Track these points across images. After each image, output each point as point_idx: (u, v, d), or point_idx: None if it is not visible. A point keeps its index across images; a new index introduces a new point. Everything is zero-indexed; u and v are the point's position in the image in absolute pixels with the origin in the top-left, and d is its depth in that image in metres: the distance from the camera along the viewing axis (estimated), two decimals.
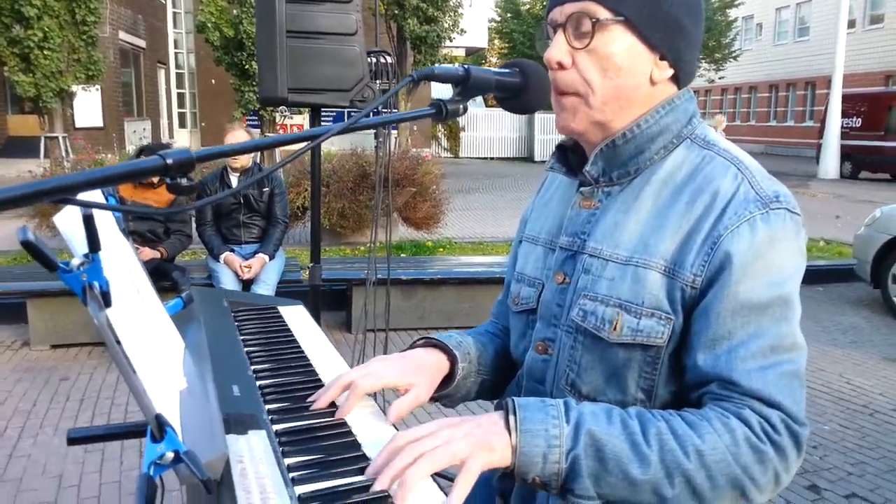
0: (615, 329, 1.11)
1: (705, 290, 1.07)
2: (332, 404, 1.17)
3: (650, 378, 1.12)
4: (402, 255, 7.66)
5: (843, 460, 3.63)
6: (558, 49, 1.14)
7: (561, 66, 1.14)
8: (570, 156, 1.29)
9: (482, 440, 0.98)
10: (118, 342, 0.73)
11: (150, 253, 4.98)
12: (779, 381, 1.03)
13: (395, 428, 1.12)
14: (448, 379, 1.30)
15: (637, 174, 1.17)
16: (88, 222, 0.69)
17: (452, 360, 1.30)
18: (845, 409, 4.30)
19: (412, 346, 1.34)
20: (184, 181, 0.70)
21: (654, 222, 1.12)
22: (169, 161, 0.68)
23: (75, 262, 0.73)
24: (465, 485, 0.93)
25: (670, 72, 1.16)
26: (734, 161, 1.13)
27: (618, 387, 1.14)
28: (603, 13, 1.10)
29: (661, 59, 1.14)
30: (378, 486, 0.91)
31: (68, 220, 0.83)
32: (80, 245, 0.78)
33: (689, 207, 1.10)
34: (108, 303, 0.73)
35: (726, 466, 0.99)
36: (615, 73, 1.12)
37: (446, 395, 1.33)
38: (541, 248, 1.31)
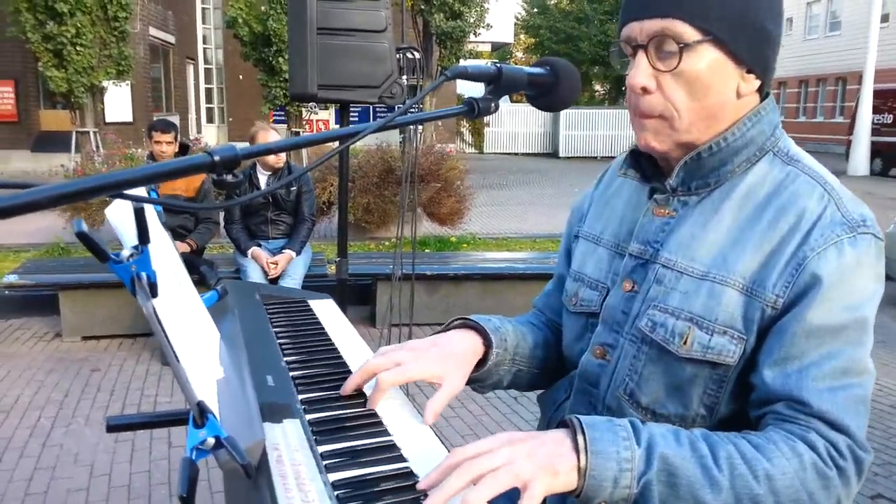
0: (685, 343, 1.08)
1: (785, 311, 1.04)
2: (361, 393, 1.18)
3: (715, 395, 1.10)
4: (426, 250, 7.69)
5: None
6: (642, 74, 1.08)
7: (646, 91, 1.09)
8: (642, 161, 1.24)
9: (546, 463, 0.92)
10: (164, 332, 0.76)
11: (180, 246, 5.06)
12: (847, 405, 1.01)
13: (417, 414, 1.12)
14: (480, 363, 1.26)
15: (717, 186, 1.14)
16: (139, 215, 0.72)
17: (487, 345, 1.26)
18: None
19: (448, 326, 1.30)
20: (229, 177, 0.73)
21: (733, 238, 1.09)
22: (216, 158, 0.71)
23: (125, 253, 0.76)
24: None
25: (757, 83, 1.12)
26: (820, 180, 1.10)
27: (679, 401, 1.12)
28: (690, 33, 1.04)
29: (749, 72, 1.10)
30: (433, 502, 0.86)
31: (118, 213, 0.86)
32: (129, 237, 0.81)
33: (773, 226, 1.07)
34: (154, 293, 0.76)
35: (794, 492, 0.96)
36: (703, 94, 1.08)
37: (475, 379, 1.28)
38: (604, 251, 1.27)
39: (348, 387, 1.16)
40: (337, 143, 0.99)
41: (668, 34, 1.05)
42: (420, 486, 0.91)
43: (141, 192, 0.95)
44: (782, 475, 0.96)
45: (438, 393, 1.15)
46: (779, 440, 0.99)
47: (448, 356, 1.20)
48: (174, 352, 0.77)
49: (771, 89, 1.17)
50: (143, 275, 0.74)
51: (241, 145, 0.86)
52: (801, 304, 1.03)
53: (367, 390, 1.18)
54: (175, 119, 20.66)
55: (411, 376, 1.15)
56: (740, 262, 1.07)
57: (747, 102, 1.13)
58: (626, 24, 1.11)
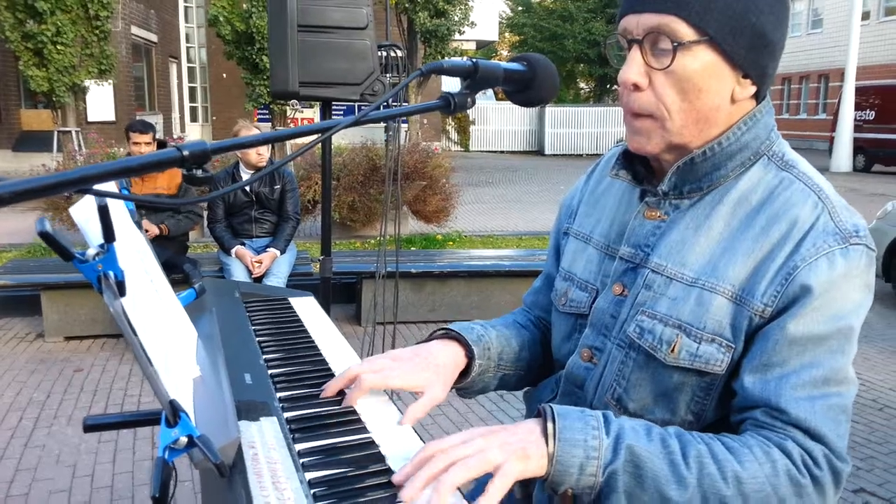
0: (673, 351, 1.07)
1: (772, 319, 1.03)
2: (341, 393, 1.17)
3: (702, 402, 1.09)
4: (411, 248, 7.68)
5: (852, 455, 3.62)
6: (635, 70, 1.06)
7: (637, 88, 1.07)
8: (636, 162, 1.22)
9: (518, 448, 0.95)
10: (133, 330, 0.75)
11: (150, 229, 4.98)
12: (826, 414, 1.00)
13: (397, 412, 1.12)
14: (464, 373, 1.27)
15: (709, 191, 1.12)
16: (104, 213, 0.71)
17: (470, 356, 1.26)
18: (855, 403, 4.28)
19: (430, 337, 1.30)
20: (199, 172, 0.72)
21: (724, 245, 1.08)
22: (185, 153, 0.70)
23: (91, 252, 0.75)
24: (500, 486, 0.90)
25: (753, 89, 1.09)
26: (814, 188, 1.08)
27: (667, 407, 1.11)
28: (686, 32, 1.02)
29: (745, 76, 1.07)
30: (407, 493, 0.88)
31: (84, 211, 0.85)
32: (95, 235, 0.80)
33: (764, 233, 1.06)
34: (122, 292, 0.74)
35: (764, 497, 0.96)
36: (695, 96, 1.05)
37: (462, 388, 1.29)
38: (594, 251, 1.26)
39: (330, 390, 1.16)
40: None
41: (664, 31, 1.03)
42: (394, 479, 0.92)
43: (110, 187, 0.94)
44: (752, 479, 0.96)
45: (420, 400, 1.15)
46: (754, 444, 0.99)
47: (430, 366, 1.20)
48: (144, 351, 0.76)
49: (768, 96, 1.15)
50: (111, 273, 0.73)
51: None
52: (787, 314, 1.02)
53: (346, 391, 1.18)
54: (158, 118, 20.59)
55: (393, 384, 1.16)
56: (731, 270, 1.06)
57: (742, 107, 1.10)
58: (624, 16, 1.09)
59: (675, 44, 1.02)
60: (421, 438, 1.05)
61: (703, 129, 1.09)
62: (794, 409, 1.00)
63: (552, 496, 1.00)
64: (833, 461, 1.00)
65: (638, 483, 0.96)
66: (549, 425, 0.97)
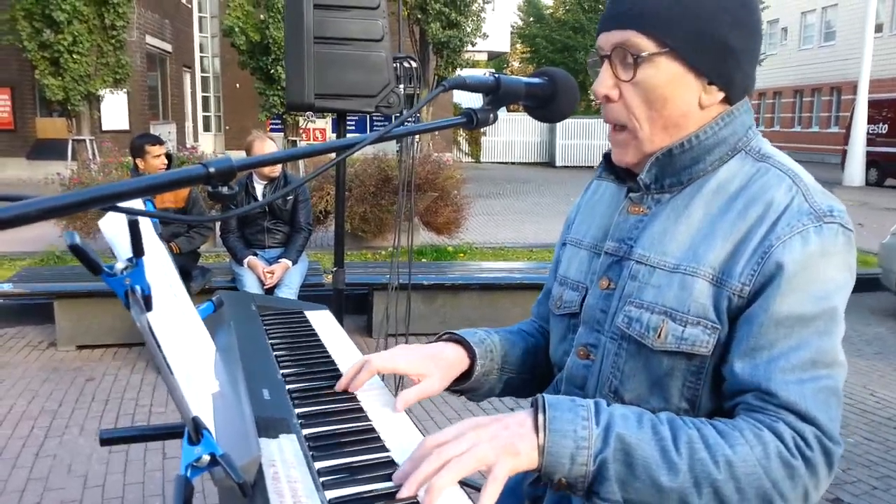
0: (659, 336, 1.10)
1: (752, 299, 1.06)
2: (359, 408, 1.19)
3: (694, 388, 1.11)
4: (423, 259, 7.67)
5: (868, 474, 3.58)
6: (604, 83, 1.13)
7: (608, 100, 1.14)
8: (618, 167, 1.27)
9: (507, 443, 0.97)
10: (158, 346, 0.75)
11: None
12: (816, 396, 1.01)
13: (408, 416, 1.14)
14: (467, 374, 1.32)
15: (689, 183, 1.16)
16: (134, 228, 0.71)
17: (472, 357, 1.32)
18: (870, 421, 4.24)
19: (437, 340, 1.36)
20: (224, 189, 0.71)
21: (704, 231, 1.12)
22: (211, 170, 0.70)
23: (119, 266, 0.75)
24: (492, 493, 0.93)
25: (720, 95, 1.14)
26: (789, 173, 1.12)
27: (661, 396, 1.13)
28: (647, 45, 1.09)
29: (710, 83, 1.12)
30: (405, 493, 0.91)
31: (112, 226, 0.85)
32: (124, 250, 0.80)
33: (741, 217, 1.09)
34: (149, 307, 0.74)
35: (756, 479, 0.97)
36: (661, 105, 1.12)
37: (467, 389, 1.35)
38: (585, 252, 1.30)
39: (341, 384, 1.24)
40: (334, 155, 0.98)
41: (627, 45, 1.09)
42: (394, 478, 0.96)
43: (137, 203, 0.94)
44: (743, 462, 0.97)
45: (415, 387, 1.22)
46: (745, 428, 1.01)
47: (435, 357, 1.28)
48: (168, 366, 0.76)
49: (749, 96, 1.19)
50: (138, 288, 0.73)
51: (238, 154, 0.85)
52: (767, 293, 1.04)
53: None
54: (172, 127, 20.74)
55: (399, 367, 1.24)
56: (710, 253, 1.09)
57: (711, 112, 1.15)
58: (598, 35, 1.17)
59: (636, 56, 1.09)
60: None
61: (674, 134, 1.14)
62: (784, 393, 1.01)
63: (548, 485, 1.02)
64: (824, 442, 1.01)
65: (629, 470, 0.98)
66: (540, 416, 1.00)
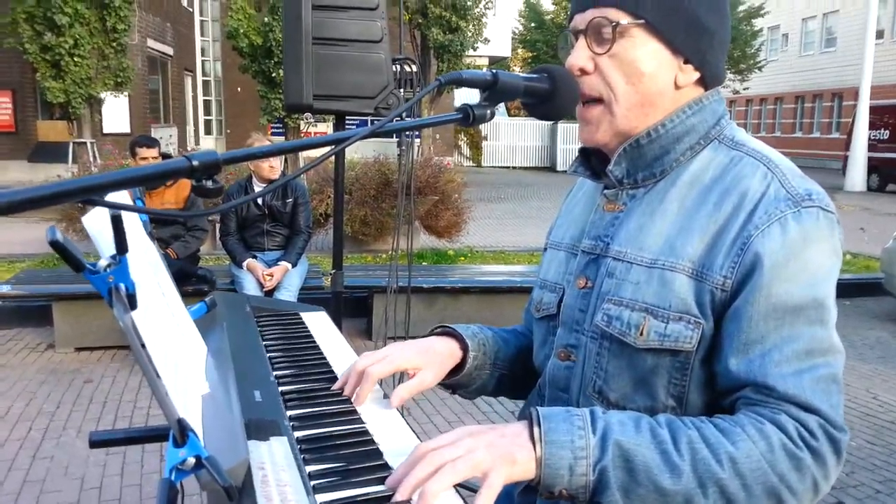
0: (641, 334, 1.08)
1: (736, 292, 1.04)
2: (353, 410, 1.17)
3: (680, 385, 1.09)
4: (423, 263, 7.65)
5: (871, 477, 3.55)
6: (580, 55, 1.13)
7: (583, 72, 1.13)
8: (593, 160, 1.27)
9: (505, 452, 0.95)
10: (143, 345, 0.73)
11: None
12: (815, 386, 0.99)
13: (403, 418, 1.11)
14: (459, 367, 1.31)
15: (662, 176, 1.15)
16: (117, 224, 0.68)
17: (465, 349, 1.31)
18: (872, 424, 4.22)
19: (430, 334, 1.36)
20: (209, 183, 0.69)
21: (680, 224, 1.10)
22: (195, 163, 0.68)
23: (102, 263, 0.72)
24: (486, 501, 0.91)
25: (696, 75, 1.14)
26: (763, 160, 1.11)
27: (647, 394, 1.11)
28: (623, 17, 1.09)
29: (686, 62, 1.13)
30: (399, 497, 0.89)
31: (96, 221, 0.82)
32: (107, 246, 0.78)
33: (717, 208, 1.08)
34: (133, 305, 0.72)
35: (762, 475, 0.95)
36: (638, 79, 1.11)
37: (459, 384, 1.34)
38: (563, 254, 1.29)
39: (339, 386, 1.23)
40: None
41: (605, 18, 1.10)
42: (387, 483, 0.93)
43: (125, 200, 0.92)
44: (747, 458, 0.95)
45: (409, 381, 1.21)
46: (746, 423, 0.98)
47: (428, 350, 1.28)
48: (153, 367, 0.74)
49: (719, 87, 1.19)
50: (122, 286, 0.71)
51: None
52: (750, 284, 1.02)
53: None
54: (173, 130, 20.74)
55: (396, 364, 1.22)
56: (688, 247, 1.07)
57: (686, 94, 1.15)
58: (572, 18, 1.17)
59: (614, 24, 1.09)
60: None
61: (649, 113, 1.13)
62: (783, 386, 0.99)
63: (550, 498, 0.99)
64: (829, 430, 0.98)
65: (631, 477, 0.95)
66: (536, 429, 0.97)
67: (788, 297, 1.01)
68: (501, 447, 0.96)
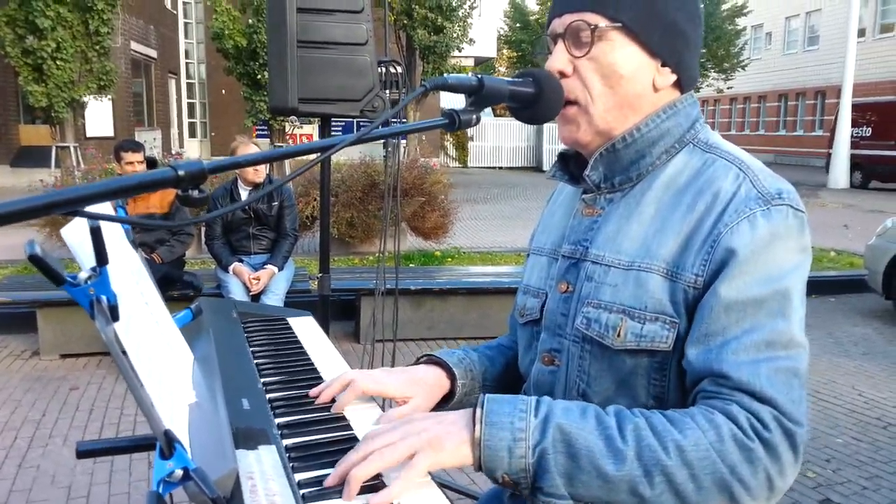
0: (619, 335, 1.09)
1: (705, 289, 1.05)
2: (341, 416, 1.17)
3: (660, 385, 1.09)
4: (410, 264, 7.64)
5: (857, 474, 3.58)
6: (559, 58, 1.14)
7: (562, 75, 1.14)
8: (572, 164, 1.28)
9: (433, 437, 0.97)
10: (126, 356, 0.72)
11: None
12: (773, 376, 0.98)
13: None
14: (449, 396, 1.31)
15: (639, 180, 1.17)
16: (96, 235, 0.68)
17: (452, 378, 1.31)
18: (858, 421, 4.25)
19: (416, 363, 1.36)
20: (195, 193, 0.69)
21: (655, 226, 1.11)
22: (181, 172, 0.67)
23: (83, 275, 0.72)
24: (403, 481, 0.93)
25: (673, 77, 1.16)
26: (736, 162, 1.12)
27: (628, 394, 1.11)
28: (601, 21, 1.11)
29: (664, 65, 1.14)
30: (327, 483, 0.93)
31: (76, 233, 0.81)
32: (87, 258, 0.77)
33: (691, 209, 1.09)
34: (115, 317, 0.71)
35: (711, 465, 0.94)
36: (616, 81, 1.13)
37: (451, 409, 1.32)
38: (545, 259, 1.30)
39: (324, 396, 1.22)
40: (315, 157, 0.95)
41: (583, 22, 1.11)
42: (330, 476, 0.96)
43: (107, 210, 0.91)
44: (694, 447, 0.94)
45: (403, 406, 1.21)
46: (696, 413, 0.98)
47: (419, 382, 1.27)
48: (137, 378, 0.73)
49: (692, 93, 1.21)
50: (103, 298, 0.70)
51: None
52: (718, 279, 1.03)
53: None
54: (157, 134, 20.61)
55: (386, 389, 1.22)
56: (663, 248, 1.09)
57: (664, 97, 1.16)
58: (550, 22, 1.18)
59: (592, 27, 1.10)
60: (430, 473, 1.01)
61: (628, 115, 1.15)
62: (737, 373, 0.99)
63: (494, 483, 1.00)
64: (784, 423, 0.97)
65: (573, 461, 0.95)
66: (478, 411, 0.99)
67: (751, 290, 1.02)
68: (433, 433, 0.98)
